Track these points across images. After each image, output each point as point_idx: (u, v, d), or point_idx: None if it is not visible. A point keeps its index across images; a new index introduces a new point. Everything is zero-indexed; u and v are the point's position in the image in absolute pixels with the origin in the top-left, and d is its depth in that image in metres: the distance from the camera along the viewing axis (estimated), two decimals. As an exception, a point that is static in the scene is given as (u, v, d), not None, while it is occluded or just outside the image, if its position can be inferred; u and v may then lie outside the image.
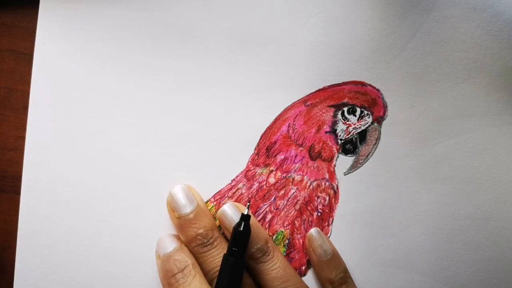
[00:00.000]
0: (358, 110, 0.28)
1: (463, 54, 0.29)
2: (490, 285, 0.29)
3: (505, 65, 0.29)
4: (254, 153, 0.28)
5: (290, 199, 0.28)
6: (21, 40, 0.28)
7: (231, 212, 0.27)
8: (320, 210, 0.28)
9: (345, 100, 0.28)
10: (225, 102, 0.28)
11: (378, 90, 0.29)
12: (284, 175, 0.28)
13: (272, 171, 0.28)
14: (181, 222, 0.26)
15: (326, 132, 0.28)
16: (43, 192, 0.27)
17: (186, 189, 0.27)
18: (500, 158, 0.29)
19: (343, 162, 0.29)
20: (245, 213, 0.25)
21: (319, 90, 0.28)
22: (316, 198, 0.28)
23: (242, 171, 0.28)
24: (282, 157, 0.28)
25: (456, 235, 0.29)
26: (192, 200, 0.27)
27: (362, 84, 0.29)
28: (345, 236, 0.28)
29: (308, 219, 0.28)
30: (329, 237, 0.28)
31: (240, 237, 0.25)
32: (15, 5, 0.28)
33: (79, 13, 0.27)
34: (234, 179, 0.28)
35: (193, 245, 0.26)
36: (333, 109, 0.28)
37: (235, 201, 0.28)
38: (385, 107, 0.29)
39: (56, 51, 0.27)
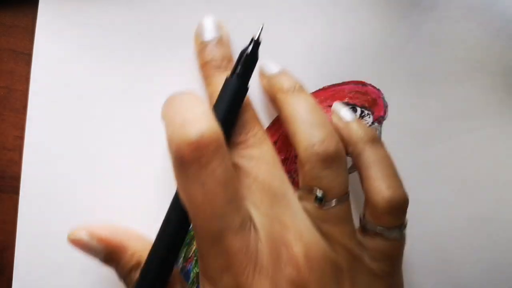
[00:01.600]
0: (359, 110, 0.28)
1: (463, 54, 0.29)
2: (492, 286, 0.29)
3: (506, 65, 0.29)
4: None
5: (290, 200, 0.28)
6: (21, 39, 0.28)
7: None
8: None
9: (346, 100, 0.28)
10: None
11: (378, 90, 0.29)
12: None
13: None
14: (202, 47, 0.26)
15: (326, 132, 0.28)
16: (42, 192, 0.27)
17: (217, 20, 0.26)
18: (501, 158, 0.29)
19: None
20: (256, 38, 0.23)
21: (319, 90, 0.28)
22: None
23: (242, 171, 0.28)
24: (283, 157, 0.28)
25: (456, 235, 0.29)
26: (218, 30, 0.26)
27: (363, 84, 0.28)
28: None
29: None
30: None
31: (246, 61, 0.23)
32: (14, 5, 0.28)
33: (78, 13, 0.27)
34: (234, 179, 0.28)
35: (207, 67, 0.25)
36: (333, 109, 0.28)
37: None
38: (385, 107, 0.29)
39: (55, 51, 0.27)
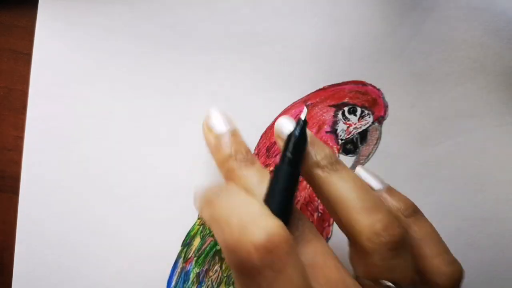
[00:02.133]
0: (359, 109, 0.28)
1: (464, 54, 0.29)
2: (492, 286, 0.29)
3: (506, 65, 0.29)
4: (254, 153, 0.28)
5: (290, 200, 0.28)
6: (20, 39, 0.28)
7: (288, 121, 0.23)
8: (320, 211, 0.28)
9: (346, 100, 0.28)
10: (225, 102, 0.28)
11: (378, 89, 0.29)
12: (284, 175, 0.28)
13: (272, 171, 0.28)
14: (217, 141, 0.24)
15: (326, 132, 0.28)
16: (42, 192, 0.27)
17: (224, 111, 0.25)
18: (501, 158, 0.29)
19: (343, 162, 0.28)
20: (303, 118, 0.22)
21: (320, 89, 0.28)
22: (316, 198, 0.28)
23: (242, 171, 0.28)
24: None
25: (457, 235, 0.29)
26: (230, 121, 0.25)
27: (363, 83, 0.28)
28: (345, 237, 0.28)
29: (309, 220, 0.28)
30: (329, 238, 0.28)
31: (296, 143, 0.21)
32: (14, 5, 0.28)
33: (78, 13, 0.27)
34: (234, 179, 0.28)
35: (231, 161, 0.23)
36: (333, 109, 0.28)
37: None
38: (385, 106, 0.29)
39: (55, 51, 0.27)
